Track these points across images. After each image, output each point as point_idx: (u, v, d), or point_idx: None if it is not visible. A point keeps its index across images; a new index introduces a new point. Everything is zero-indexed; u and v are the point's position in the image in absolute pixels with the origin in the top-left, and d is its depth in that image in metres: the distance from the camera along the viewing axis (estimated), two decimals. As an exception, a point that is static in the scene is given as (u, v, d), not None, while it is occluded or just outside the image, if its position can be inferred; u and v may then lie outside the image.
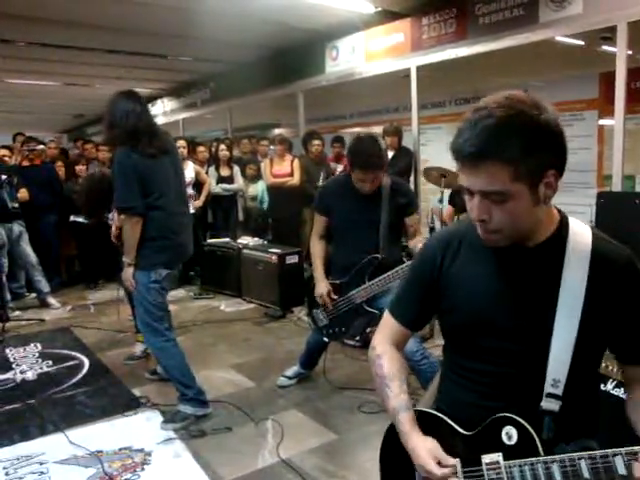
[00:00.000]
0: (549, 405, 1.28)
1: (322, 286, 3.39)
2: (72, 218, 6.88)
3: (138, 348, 4.49)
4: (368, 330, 4.34)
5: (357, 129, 9.72)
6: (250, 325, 5.33)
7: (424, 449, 1.34)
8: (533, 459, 1.22)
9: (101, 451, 3.06)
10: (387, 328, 1.57)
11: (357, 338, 4.36)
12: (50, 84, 9.54)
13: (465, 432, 1.35)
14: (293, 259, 5.70)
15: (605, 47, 5.44)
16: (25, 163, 6.33)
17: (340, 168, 7.37)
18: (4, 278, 5.75)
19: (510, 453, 1.26)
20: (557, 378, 1.27)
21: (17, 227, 5.91)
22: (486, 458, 1.28)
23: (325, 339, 3.56)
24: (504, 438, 1.28)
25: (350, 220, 3.29)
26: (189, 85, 10.08)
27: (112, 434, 3.26)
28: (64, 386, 3.97)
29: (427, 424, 1.41)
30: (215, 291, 6.52)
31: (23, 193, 6.08)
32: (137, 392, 3.80)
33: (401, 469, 1.47)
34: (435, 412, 1.44)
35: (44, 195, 6.57)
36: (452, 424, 1.39)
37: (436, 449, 1.34)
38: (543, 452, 1.23)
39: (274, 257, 5.67)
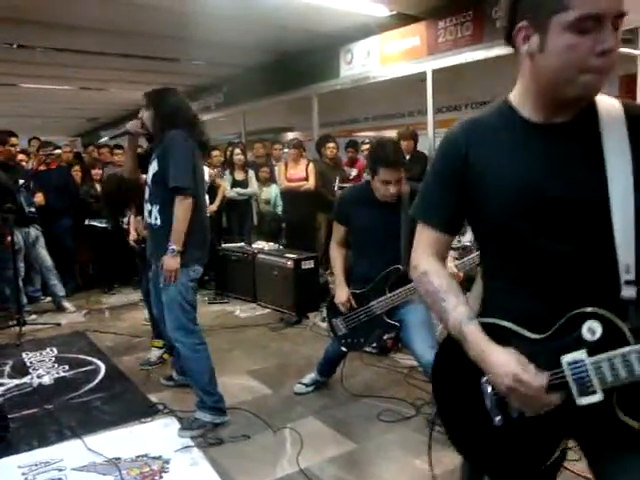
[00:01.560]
0: (629, 293, 1.18)
1: (343, 293, 3.36)
2: (87, 222, 6.91)
3: (154, 354, 4.47)
4: (385, 337, 4.34)
5: (370, 133, 9.70)
6: (266, 331, 5.31)
7: (510, 358, 1.22)
8: (624, 349, 1.13)
9: (119, 458, 3.03)
10: (422, 241, 1.43)
11: (374, 345, 4.33)
12: (65, 88, 9.60)
13: (536, 336, 1.25)
14: (309, 264, 5.66)
15: (625, 49, 5.37)
16: (41, 167, 6.35)
17: (354, 172, 7.35)
18: (21, 282, 5.78)
19: (594, 350, 1.16)
20: (628, 263, 1.18)
21: (34, 231, 5.93)
22: (567, 357, 1.19)
23: (343, 349, 3.53)
24: (585, 334, 1.18)
25: (370, 230, 3.24)
26: (202, 89, 10.12)
27: (129, 441, 3.24)
28: (81, 391, 3.97)
29: (490, 335, 1.29)
30: (230, 296, 6.51)
31: (39, 197, 6.11)
32: (154, 398, 3.78)
33: (463, 388, 1.39)
34: (497, 320, 1.31)
35: (60, 199, 6.60)
36: (519, 330, 1.27)
37: (521, 357, 1.22)
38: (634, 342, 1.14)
39: (290, 262, 5.64)
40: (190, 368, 3.38)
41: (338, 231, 3.47)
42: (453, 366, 1.41)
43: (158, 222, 3.24)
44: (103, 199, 5.52)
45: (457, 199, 1.36)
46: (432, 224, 1.41)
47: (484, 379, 1.32)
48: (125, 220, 6.26)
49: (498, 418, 1.32)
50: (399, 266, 3.17)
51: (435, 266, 1.40)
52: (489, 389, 1.31)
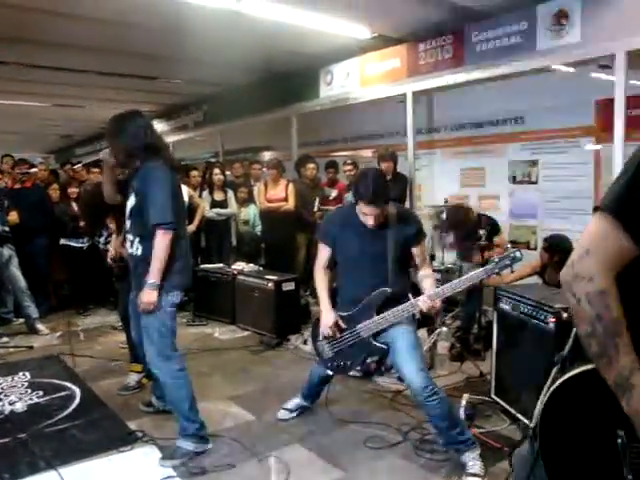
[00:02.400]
0: None
1: (329, 316, 3.29)
2: (62, 241, 6.76)
3: (132, 378, 4.35)
4: (369, 360, 4.28)
5: (347, 153, 9.72)
6: (246, 354, 5.21)
7: None
8: None
9: (97, 491, 2.93)
10: (605, 246, 1.16)
11: (357, 368, 4.26)
12: (38, 105, 9.45)
13: None
14: (290, 286, 5.60)
15: (597, 74, 5.47)
16: (16, 186, 6.20)
17: (334, 193, 7.32)
18: (-8, 303, 5.61)
19: None
20: None
21: (7, 251, 5.78)
22: None
23: (329, 372, 3.46)
24: None
25: (357, 252, 3.20)
26: (181, 107, 10.06)
27: (108, 472, 3.12)
28: (56, 419, 3.81)
29: None
30: (208, 317, 6.39)
31: (13, 216, 5.97)
32: (133, 425, 3.66)
33: (588, 440, 1.28)
34: None
35: (35, 218, 6.45)
36: None
37: None
38: None
39: (270, 284, 5.57)
40: (170, 395, 3.29)
41: (323, 253, 3.42)
42: (576, 416, 1.30)
43: (139, 253, 3.20)
44: (81, 209, 5.41)
45: None
46: (629, 228, 1.14)
47: (622, 432, 1.22)
48: (102, 240, 6.16)
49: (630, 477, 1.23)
50: (387, 288, 3.13)
51: (614, 288, 1.16)
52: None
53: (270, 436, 3.49)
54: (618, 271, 1.17)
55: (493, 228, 5.03)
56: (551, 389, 1.33)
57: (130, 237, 3.26)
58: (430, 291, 3.07)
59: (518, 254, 2.96)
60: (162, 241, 3.05)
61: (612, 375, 1.17)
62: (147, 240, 3.12)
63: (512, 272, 4.66)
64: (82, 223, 6.44)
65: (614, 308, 1.15)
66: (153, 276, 3.06)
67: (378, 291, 3.13)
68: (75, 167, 8.03)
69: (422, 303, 3.00)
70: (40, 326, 6.11)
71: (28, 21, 5.22)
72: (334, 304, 3.36)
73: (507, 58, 5.27)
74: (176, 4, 4.77)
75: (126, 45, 6.14)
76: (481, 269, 3.06)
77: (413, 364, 3.02)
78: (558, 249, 4.50)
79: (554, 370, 1.50)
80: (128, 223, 3.28)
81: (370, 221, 3.08)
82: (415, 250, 3.24)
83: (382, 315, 3.12)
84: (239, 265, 6.36)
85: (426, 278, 3.23)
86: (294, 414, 3.75)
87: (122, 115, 3.31)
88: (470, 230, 5.03)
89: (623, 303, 1.17)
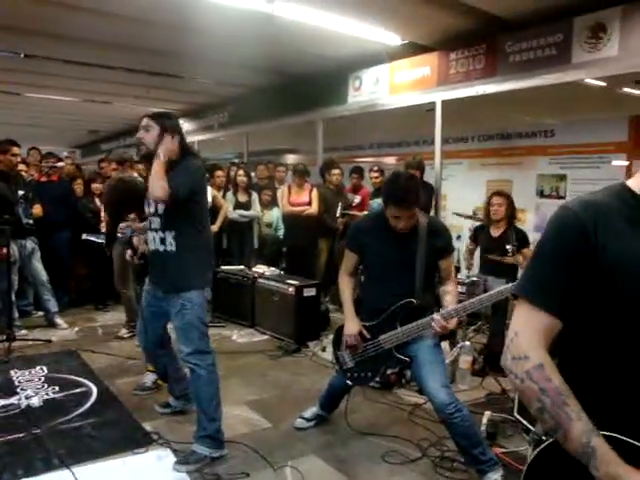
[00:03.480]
0: None
1: (352, 325, 3.22)
2: (84, 237, 6.77)
3: (148, 378, 4.31)
4: (389, 371, 4.21)
5: (371, 159, 9.67)
6: (264, 358, 5.16)
7: None
8: None
9: (110, 492, 2.89)
10: (530, 326, 1.26)
11: (377, 379, 4.19)
12: (68, 100, 9.51)
13: None
14: (311, 292, 5.54)
15: (632, 90, 5.36)
16: (43, 179, 6.23)
17: (358, 199, 7.27)
18: (13, 295, 5.61)
19: None
20: None
21: (30, 244, 5.78)
22: None
23: (349, 382, 3.39)
24: None
25: (384, 260, 3.13)
26: (207, 107, 10.05)
27: (122, 473, 3.08)
28: (71, 416, 3.79)
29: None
30: (227, 319, 6.35)
31: (37, 209, 5.97)
32: (148, 426, 3.62)
33: None
34: (625, 438, 1.19)
35: (59, 211, 6.48)
36: None
37: None
38: None
39: (291, 289, 5.51)
40: (200, 391, 3.26)
41: (349, 260, 3.35)
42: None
43: (173, 248, 3.18)
44: (104, 203, 5.41)
45: (576, 282, 1.24)
46: (546, 306, 1.25)
47: None
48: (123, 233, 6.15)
49: None
50: (412, 300, 3.06)
51: (549, 359, 1.23)
52: None
53: (286, 445, 3.43)
54: (549, 344, 1.25)
55: (522, 241, 4.90)
56: (526, 465, 1.33)
57: (161, 234, 3.22)
58: (446, 309, 2.99)
59: None
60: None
61: (573, 445, 1.17)
62: (183, 236, 3.15)
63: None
64: (103, 214, 6.45)
65: (555, 378, 1.20)
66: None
67: (403, 302, 3.06)
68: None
69: (436, 323, 2.92)
70: (59, 320, 6.12)
71: (61, 16, 5.23)
72: (357, 313, 3.29)
73: (540, 70, 5.16)
74: (207, 4, 4.75)
75: (154, 43, 6.13)
76: (506, 286, 2.96)
77: (436, 379, 2.94)
78: None
79: (529, 450, 1.48)
80: (157, 220, 3.24)
81: (400, 224, 3.01)
82: (442, 263, 3.16)
83: (406, 327, 3.05)
84: (260, 268, 6.32)
85: (448, 294, 3.14)
86: (311, 423, 3.69)
87: (170, 113, 3.39)
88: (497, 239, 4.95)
89: (564, 371, 1.23)
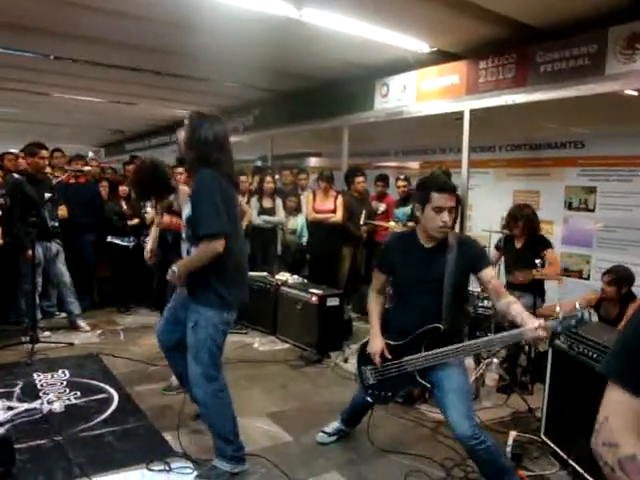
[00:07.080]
0: None
1: (377, 342, 3.15)
2: (109, 239, 6.81)
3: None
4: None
5: (393, 164, 9.61)
6: (285, 368, 5.12)
7: None
8: None
9: (130, 505, 2.86)
10: (623, 412, 1.14)
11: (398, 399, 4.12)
12: (95, 100, 9.59)
13: None
14: (334, 301, 5.47)
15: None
16: (71, 180, 6.27)
17: (382, 207, 7.21)
18: (37, 297, 5.65)
19: None
20: None
21: (55, 246, 5.82)
22: None
23: (369, 399, 3.33)
24: None
25: (413, 278, 3.04)
26: (232, 110, 10.05)
27: (142, 485, 3.06)
28: (92, 423, 3.78)
29: None
30: (248, 326, 6.32)
31: (62, 210, 6.01)
32: (168, 437, 3.59)
33: None
34: None
35: (85, 214, 6.53)
36: None
37: None
38: None
39: (314, 298, 5.46)
40: (209, 417, 3.18)
41: (377, 280, 3.29)
42: None
43: None
44: (132, 179, 5.30)
45: None
46: (637, 390, 1.13)
47: None
48: (147, 239, 6.16)
49: None
50: (439, 325, 2.96)
51: None
52: None
53: (308, 461, 3.38)
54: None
55: (543, 245, 4.92)
56: None
57: (187, 245, 3.21)
58: (549, 322, 2.62)
59: (586, 316, 2.56)
60: (206, 248, 2.90)
61: None
62: None
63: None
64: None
65: None
66: (179, 265, 3.01)
67: (430, 327, 2.97)
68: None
69: (530, 333, 2.63)
70: (81, 322, 6.14)
71: (91, 20, 5.25)
72: (383, 331, 3.21)
73: (573, 81, 5.05)
74: (234, 10, 4.72)
75: (180, 46, 6.13)
76: (546, 323, 2.64)
77: (459, 410, 2.84)
78: (626, 281, 4.31)
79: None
80: (187, 231, 3.20)
81: (444, 218, 2.88)
82: (484, 275, 2.94)
83: (431, 352, 2.95)
84: (283, 275, 6.27)
85: (513, 304, 2.82)
86: (333, 438, 3.64)
87: (201, 114, 3.18)
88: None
89: None
